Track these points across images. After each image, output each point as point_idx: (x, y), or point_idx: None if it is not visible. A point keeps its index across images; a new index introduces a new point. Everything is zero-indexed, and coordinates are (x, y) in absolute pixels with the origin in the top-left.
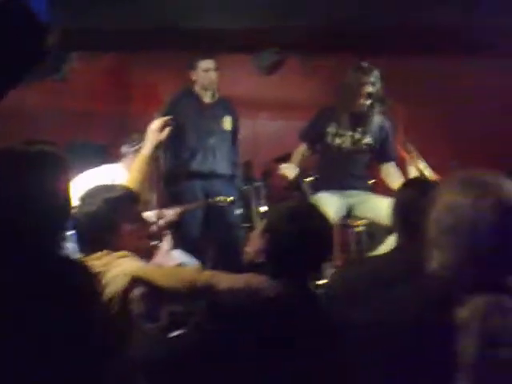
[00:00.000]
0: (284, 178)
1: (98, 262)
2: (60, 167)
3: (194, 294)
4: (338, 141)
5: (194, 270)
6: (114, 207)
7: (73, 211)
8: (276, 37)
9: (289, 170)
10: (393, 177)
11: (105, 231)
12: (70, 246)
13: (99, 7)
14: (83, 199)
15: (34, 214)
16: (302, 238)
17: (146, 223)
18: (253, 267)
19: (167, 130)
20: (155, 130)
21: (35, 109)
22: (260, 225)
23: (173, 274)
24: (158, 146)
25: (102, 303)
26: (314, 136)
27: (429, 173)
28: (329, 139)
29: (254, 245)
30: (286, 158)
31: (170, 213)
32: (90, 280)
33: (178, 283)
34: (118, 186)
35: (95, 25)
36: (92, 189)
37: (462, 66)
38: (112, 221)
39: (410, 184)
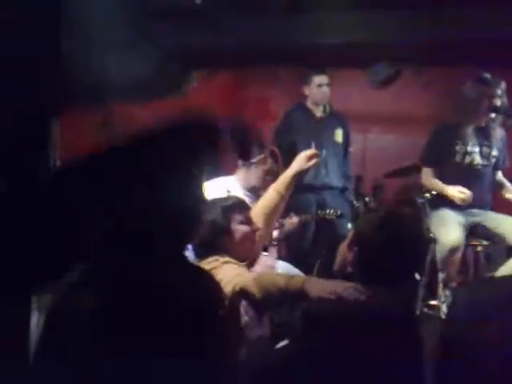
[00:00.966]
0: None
1: (207, 266)
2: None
3: (285, 299)
4: (468, 159)
5: (286, 276)
6: (228, 214)
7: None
8: (390, 50)
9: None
10: (504, 185)
11: (221, 235)
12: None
13: (217, 27)
14: None
15: (171, 221)
16: (389, 246)
17: (256, 228)
18: (343, 278)
19: (314, 161)
20: (304, 158)
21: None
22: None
23: (266, 279)
24: (301, 174)
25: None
26: (439, 158)
27: None
28: (458, 158)
29: (342, 256)
30: (397, 173)
31: (288, 223)
32: (217, 286)
33: (271, 288)
34: (231, 196)
35: (214, 44)
36: (210, 200)
37: None
38: (226, 226)
39: None
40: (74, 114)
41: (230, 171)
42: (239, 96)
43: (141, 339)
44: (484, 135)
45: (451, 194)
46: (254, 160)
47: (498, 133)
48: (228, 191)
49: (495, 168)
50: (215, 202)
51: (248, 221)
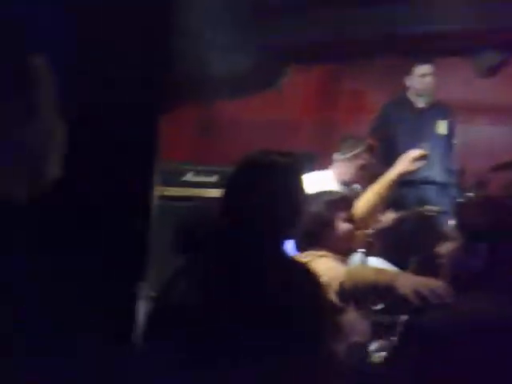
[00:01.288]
0: None
1: (304, 259)
2: (298, 175)
3: (375, 294)
4: None
5: (376, 270)
6: (332, 208)
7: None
8: (497, 37)
9: None
10: None
11: (323, 228)
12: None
13: (312, 21)
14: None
15: (276, 215)
16: None
17: (357, 228)
18: None
19: (422, 163)
20: (410, 159)
21: (252, 119)
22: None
23: (357, 272)
24: (406, 176)
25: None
26: None
27: None
28: None
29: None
30: (505, 167)
31: (385, 219)
32: (318, 281)
33: (360, 281)
34: (337, 192)
35: (310, 38)
36: (314, 193)
37: None
38: (330, 219)
39: None
40: (175, 112)
41: (325, 165)
42: (334, 90)
43: (243, 327)
44: None
45: None
46: (349, 155)
47: None
48: (324, 185)
49: None
50: (320, 195)
51: (351, 219)
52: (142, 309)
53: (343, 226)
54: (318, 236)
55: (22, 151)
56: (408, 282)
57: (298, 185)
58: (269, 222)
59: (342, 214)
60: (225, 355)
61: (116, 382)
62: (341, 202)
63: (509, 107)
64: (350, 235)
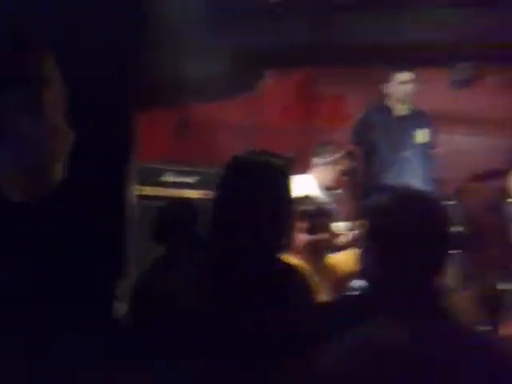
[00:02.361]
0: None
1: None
2: (286, 175)
3: None
4: None
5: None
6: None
7: None
8: (472, 49)
9: None
10: None
11: None
12: None
13: (290, 26)
14: None
15: (266, 216)
16: None
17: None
18: None
19: None
20: None
21: (230, 121)
22: None
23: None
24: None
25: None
26: None
27: None
28: None
29: None
30: (483, 177)
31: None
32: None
33: None
34: (313, 200)
35: (288, 43)
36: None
37: None
38: None
39: None
40: (151, 115)
41: (304, 170)
42: (313, 95)
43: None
44: None
45: None
46: (328, 160)
47: None
48: (303, 190)
49: None
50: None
51: (313, 229)
52: (121, 306)
53: (301, 237)
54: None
55: (26, 147)
56: None
57: (290, 187)
58: (262, 224)
59: (304, 225)
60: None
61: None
62: (304, 212)
63: (486, 119)
64: (309, 246)
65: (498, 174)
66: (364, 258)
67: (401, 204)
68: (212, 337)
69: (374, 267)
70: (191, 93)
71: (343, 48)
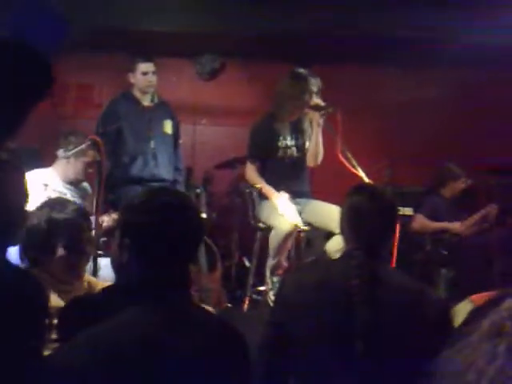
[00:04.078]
0: None
1: None
2: (17, 174)
3: None
4: (288, 152)
5: None
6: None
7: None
8: (216, 42)
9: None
10: None
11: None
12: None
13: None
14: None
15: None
16: None
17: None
18: None
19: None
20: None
21: None
22: None
23: None
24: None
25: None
26: (265, 154)
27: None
28: (280, 153)
29: None
30: (225, 165)
31: (107, 219)
32: (41, 290)
33: None
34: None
35: None
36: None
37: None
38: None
39: (358, 189)
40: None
41: (48, 163)
42: (61, 82)
43: None
44: (297, 128)
45: (275, 202)
46: (72, 151)
47: (306, 122)
48: (46, 185)
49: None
50: (48, 206)
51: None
52: None
53: (61, 252)
54: (37, 257)
55: None
56: None
57: (20, 183)
58: None
59: (64, 240)
60: None
61: None
62: (66, 227)
63: (228, 109)
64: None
65: (239, 161)
66: (118, 253)
67: (151, 202)
68: None
69: (130, 264)
70: None
71: (89, 34)
